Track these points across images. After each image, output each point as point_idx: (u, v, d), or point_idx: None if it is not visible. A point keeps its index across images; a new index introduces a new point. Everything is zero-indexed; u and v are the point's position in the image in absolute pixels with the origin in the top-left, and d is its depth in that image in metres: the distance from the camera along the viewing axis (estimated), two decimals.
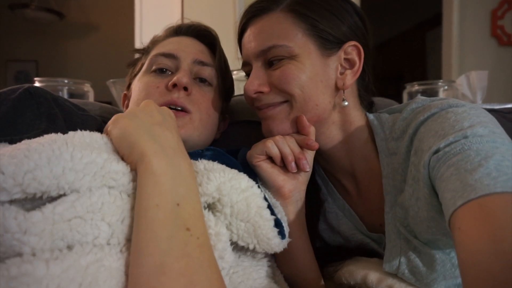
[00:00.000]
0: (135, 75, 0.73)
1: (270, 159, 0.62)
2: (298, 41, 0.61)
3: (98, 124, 0.67)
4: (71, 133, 0.47)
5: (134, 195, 0.44)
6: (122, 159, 0.46)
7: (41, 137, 0.44)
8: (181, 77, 0.64)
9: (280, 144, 0.61)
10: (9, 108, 0.54)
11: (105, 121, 0.80)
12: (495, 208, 0.40)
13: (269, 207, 0.57)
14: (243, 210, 0.51)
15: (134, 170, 0.45)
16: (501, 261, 0.35)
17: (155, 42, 0.75)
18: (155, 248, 0.39)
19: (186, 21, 0.78)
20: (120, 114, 0.50)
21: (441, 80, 1.43)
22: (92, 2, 4.19)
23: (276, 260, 0.62)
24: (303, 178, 0.64)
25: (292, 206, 0.62)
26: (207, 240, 0.44)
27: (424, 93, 1.44)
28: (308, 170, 0.62)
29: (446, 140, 0.49)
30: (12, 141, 0.48)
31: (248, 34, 0.65)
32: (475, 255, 0.38)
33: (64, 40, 4.27)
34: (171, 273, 0.38)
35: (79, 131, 0.48)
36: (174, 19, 2.57)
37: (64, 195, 0.40)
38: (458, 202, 0.42)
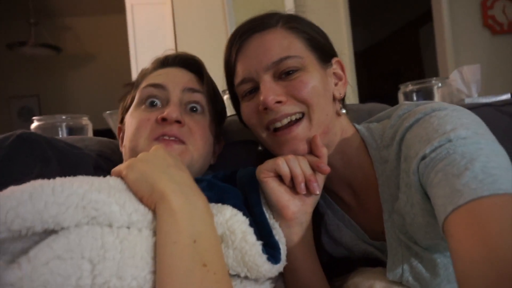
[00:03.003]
0: (127, 109, 0.74)
1: (279, 177, 0.61)
2: (304, 53, 0.63)
3: (93, 161, 0.68)
4: (93, 178, 0.48)
5: (114, 226, 0.44)
6: (141, 201, 0.48)
7: (28, 182, 0.45)
8: (171, 111, 0.64)
9: (292, 163, 0.60)
10: (2, 157, 0.55)
11: (104, 155, 0.81)
12: (484, 213, 0.40)
13: (264, 230, 0.57)
14: (228, 235, 0.52)
15: (152, 210, 0.47)
16: (496, 270, 0.36)
17: (143, 75, 0.76)
18: (173, 283, 0.41)
19: (170, 52, 0.78)
20: (134, 159, 0.53)
21: (435, 78, 1.43)
22: (87, 32, 4.28)
23: (284, 280, 0.61)
24: (311, 201, 0.62)
25: (296, 228, 0.61)
26: (225, 275, 0.47)
27: (419, 92, 1.44)
28: (318, 193, 0.61)
29: (431, 145, 0.50)
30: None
31: (252, 48, 0.64)
32: (470, 264, 0.38)
33: (63, 73, 4.36)
34: None
35: (102, 177, 0.50)
36: (168, 45, 2.62)
37: (52, 230, 0.41)
38: (448, 209, 0.43)
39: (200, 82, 0.74)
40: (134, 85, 0.76)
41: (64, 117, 1.24)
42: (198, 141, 0.67)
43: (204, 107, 0.72)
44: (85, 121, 1.30)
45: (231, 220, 0.53)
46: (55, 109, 4.22)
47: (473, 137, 0.49)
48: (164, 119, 0.64)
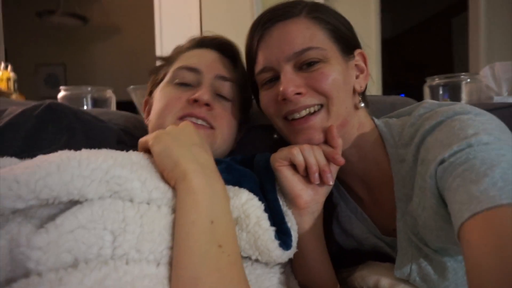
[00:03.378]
0: (158, 83, 0.75)
1: (293, 166, 0.61)
2: (326, 45, 0.63)
3: (116, 135, 0.70)
4: (117, 153, 0.50)
5: (136, 203, 0.46)
6: (162, 174, 0.49)
7: (56, 153, 0.47)
8: (203, 94, 0.65)
9: (306, 153, 0.60)
10: (33, 124, 0.58)
11: (127, 130, 0.83)
12: (502, 221, 0.39)
13: (277, 216, 0.58)
14: (242, 219, 0.54)
15: (172, 187, 0.48)
16: (510, 281, 0.35)
17: (178, 52, 0.76)
18: (190, 262, 0.43)
19: (208, 34, 0.78)
20: (161, 131, 0.54)
21: (463, 73, 1.38)
22: (114, 5, 4.30)
23: (292, 266, 0.63)
24: (323, 191, 0.63)
25: (307, 217, 0.62)
26: (238, 258, 0.48)
27: (446, 86, 1.40)
28: (331, 184, 0.61)
29: (451, 149, 0.49)
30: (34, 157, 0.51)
31: (274, 38, 0.63)
32: (484, 272, 0.38)
33: (89, 44, 4.42)
34: (204, 286, 0.42)
35: (125, 151, 0.52)
36: (193, 21, 2.60)
37: (77, 201, 0.43)
38: (465, 215, 0.42)
39: (233, 68, 0.74)
40: (168, 61, 0.76)
41: (89, 88, 1.27)
42: (224, 127, 0.69)
43: (234, 95, 0.73)
44: (109, 93, 1.33)
45: (247, 204, 0.55)
46: (80, 78, 4.31)
47: (495, 143, 0.47)
48: (195, 100, 0.65)
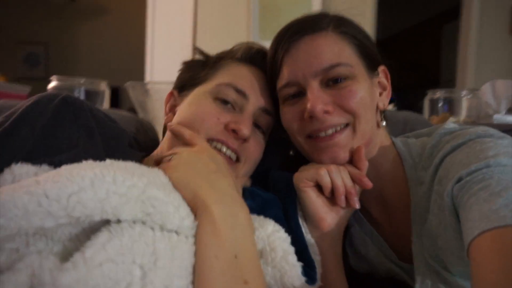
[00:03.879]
0: (194, 84, 0.68)
1: (318, 187, 0.59)
2: (353, 61, 0.61)
3: (127, 137, 0.64)
4: (143, 169, 0.47)
5: (167, 232, 0.43)
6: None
7: (83, 163, 0.44)
8: (245, 128, 0.61)
9: (334, 174, 0.58)
10: (48, 120, 0.51)
11: (130, 134, 0.78)
12: (509, 241, 0.39)
13: (299, 245, 0.56)
14: (268, 252, 0.51)
15: (194, 215, 0.46)
16: None
17: (227, 58, 0.70)
18: None
19: (259, 47, 0.72)
20: (178, 160, 0.51)
21: (465, 89, 1.39)
22: None
23: None
24: (347, 214, 0.62)
25: (328, 241, 0.60)
26: None
27: (446, 100, 1.41)
28: (357, 207, 0.59)
29: (469, 168, 0.49)
30: (52, 163, 0.47)
31: (301, 51, 0.61)
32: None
33: (75, 23, 4.23)
34: None
35: (150, 169, 0.49)
36: (187, 4, 2.51)
37: (107, 221, 0.40)
38: (474, 232, 0.43)
39: (274, 99, 0.69)
40: (210, 62, 0.70)
41: (82, 80, 1.20)
42: (251, 161, 0.65)
43: (267, 131, 0.69)
44: (103, 86, 1.26)
45: (273, 236, 0.52)
46: (63, 60, 4.12)
47: None
48: (234, 130, 0.61)
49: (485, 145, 0.52)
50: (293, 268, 0.51)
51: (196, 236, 0.44)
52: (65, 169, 0.41)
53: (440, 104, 1.43)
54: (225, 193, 0.48)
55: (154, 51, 2.55)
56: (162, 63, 2.48)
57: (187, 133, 0.59)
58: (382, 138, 0.66)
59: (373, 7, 2.83)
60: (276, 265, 0.51)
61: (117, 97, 3.52)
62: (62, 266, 0.36)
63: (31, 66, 4.19)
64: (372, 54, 0.65)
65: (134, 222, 0.41)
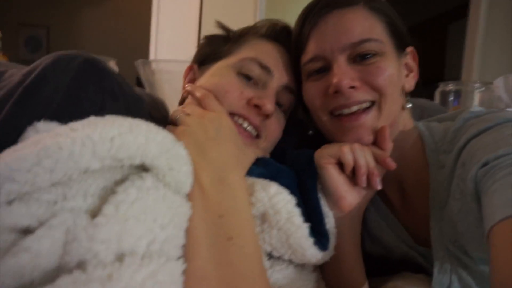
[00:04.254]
0: (216, 58, 0.66)
1: (340, 165, 0.58)
2: (384, 38, 0.59)
3: (147, 107, 0.62)
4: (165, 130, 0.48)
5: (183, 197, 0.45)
6: None
7: (104, 117, 0.43)
8: (269, 104, 0.59)
9: (357, 153, 0.56)
10: (71, 80, 0.49)
11: (150, 114, 0.75)
12: None
13: (316, 216, 0.54)
14: (272, 215, 0.51)
15: None
16: None
17: (251, 35, 0.68)
18: (197, 255, 0.42)
19: (286, 25, 0.70)
20: (182, 128, 0.53)
21: (478, 81, 1.37)
22: None
23: (322, 272, 0.60)
24: (368, 195, 0.60)
25: (348, 221, 0.59)
26: (256, 250, 0.46)
27: (457, 92, 1.40)
28: (379, 188, 0.57)
29: (496, 153, 0.48)
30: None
31: (330, 25, 0.59)
32: (509, 277, 0.37)
33: (77, 7, 4.17)
34: (211, 280, 0.41)
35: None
36: None
37: (145, 167, 0.41)
38: (497, 217, 0.42)
39: (298, 78, 0.67)
40: (236, 39, 0.68)
41: None
42: (271, 139, 0.64)
43: (288, 111, 0.68)
44: (112, 65, 1.23)
45: (275, 198, 0.51)
46: (64, 44, 4.07)
47: None
48: (257, 106, 0.59)
49: None
50: (299, 229, 0.50)
51: (188, 198, 0.46)
52: (96, 119, 0.41)
53: (451, 98, 1.42)
54: (215, 160, 0.49)
55: (159, 36, 2.52)
56: (168, 47, 2.45)
57: (199, 92, 0.59)
58: (405, 120, 0.65)
59: None
60: (282, 227, 0.50)
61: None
62: (95, 222, 0.36)
63: (33, 49, 4.14)
64: (402, 33, 0.63)
65: (157, 177, 0.42)
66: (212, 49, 0.68)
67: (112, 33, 4.04)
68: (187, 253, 0.41)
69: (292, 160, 0.62)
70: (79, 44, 4.12)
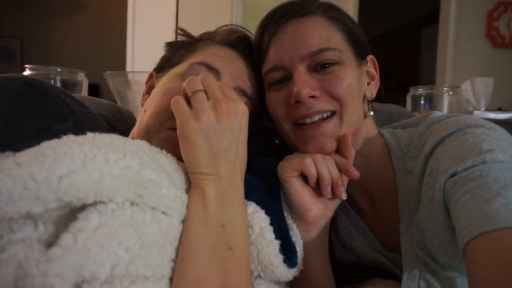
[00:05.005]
0: (170, 65, 0.65)
1: (303, 176, 0.57)
2: (342, 47, 0.59)
3: (102, 125, 0.60)
4: (136, 144, 0.45)
5: (157, 214, 0.43)
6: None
7: (64, 138, 0.39)
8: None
9: (319, 164, 0.56)
10: (12, 105, 0.46)
11: (107, 122, 0.73)
12: None
13: (281, 230, 0.55)
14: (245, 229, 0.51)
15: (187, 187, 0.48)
16: None
17: (206, 40, 0.66)
18: (196, 261, 0.42)
19: (241, 30, 0.69)
20: (194, 123, 0.47)
21: (446, 85, 1.41)
22: None
23: (292, 284, 0.59)
24: (333, 205, 0.59)
25: (314, 232, 0.58)
26: (249, 263, 0.47)
27: (427, 97, 1.43)
28: (344, 198, 0.57)
29: (464, 164, 0.48)
30: (17, 150, 0.41)
31: (288, 35, 0.59)
32: None
33: (51, 18, 4.10)
34: (210, 286, 0.41)
35: (141, 142, 0.47)
36: (169, 2, 2.45)
37: (100, 202, 0.38)
38: (473, 232, 0.42)
39: (256, 83, 0.66)
40: (189, 45, 0.66)
41: (59, 69, 1.15)
42: None
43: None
44: (81, 77, 1.21)
45: (251, 215, 0.52)
46: (39, 55, 3.98)
47: (509, 162, 0.47)
48: None
49: (477, 137, 0.51)
50: (270, 244, 0.50)
51: (187, 206, 0.45)
52: (47, 147, 0.37)
53: (422, 102, 1.45)
54: (223, 172, 0.48)
55: (135, 46, 2.49)
56: (144, 59, 2.43)
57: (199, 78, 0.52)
58: (369, 128, 0.65)
59: (353, 12, 2.87)
60: (253, 241, 0.50)
61: (97, 95, 3.43)
62: (50, 253, 0.33)
63: (6, 60, 4.03)
64: (361, 42, 0.64)
65: (123, 203, 0.39)
66: (169, 56, 0.67)
67: (88, 43, 3.98)
68: (185, 260, 0.42)
69: (257, 170, 0.61)
70: (53, 55, 4.04)
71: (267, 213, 0.53)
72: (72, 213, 0.38)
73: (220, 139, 0.48)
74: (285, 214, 0.57)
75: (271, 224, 0.52)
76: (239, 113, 0.50)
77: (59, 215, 0.37)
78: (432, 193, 0.53)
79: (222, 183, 0.47)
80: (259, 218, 0.52)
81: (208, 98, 0.50)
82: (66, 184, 0.34)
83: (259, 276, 0.53)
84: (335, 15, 0.61)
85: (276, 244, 0.51)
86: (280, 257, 0.51)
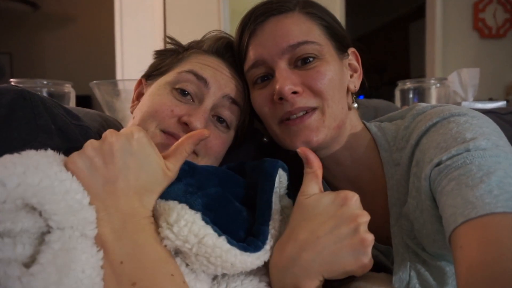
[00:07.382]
0: (159, 73, 0.66)
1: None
2: (322, 41, 0.60)
3: (94, 138, 0.60)
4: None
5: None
6: None
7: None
8: (197, 121, 0.57)
9: None
10: (2, 119, 0.46)
11: (100, 134, 0.73)
12: (497, 230, 0.40)
13: (260, 217, 0.53)
14: (182, 246, 0.47)
15: None
16: (503, 287, 0.35)
17: (194, 48, 0.67)
18: None
19: (228, 38, 0.69)
20: (83, 151, 0.47)
21: (433, 78, 1.42)
22: None
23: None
24: None
25: None
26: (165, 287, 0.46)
27: (416, 90, 1.44)
28: None
29: (448, 153, 0.49)
30: None
31: (267, 32, 0.60)
32: (478, 278, 0.38)
33: (39, 33, 4.10)
34: None
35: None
36: (156, 9, 2.47)
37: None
38: (458, 220, 0.42)
39: (243, 90, 0.66)
40: (179, 51, 0.68)
41: (45, 82, 1.15)
42: (211, 156, 0.62)
43: (233, 123, 0.65)
44: (68, 88, 1.21)
45: (177, 225, 0.47)
46: (28, 70, 3.97)
47: (492, 149, 0.47)
48: (186, 124, 0.57)
49: (461, 126, 0.51)
50: (215, 248, 0.46)
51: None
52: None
53: (410, 95, 1.46)
54: (113, 206, 0.46)
55: (125, 56, 2.49)
56: (133, 68, 2.43)
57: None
58: (353, 121, 0.66)
59: (340, 10, 2.89)
60: (197, 252, 0.46)
61: (89, 106, 3.42)
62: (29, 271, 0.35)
63: None
64: (341, 35, 0.64)
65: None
66: (157, 64, 0.68)
67: (77, 56, 3.97)
68: None
69: (253, 168, 0.61)
70: (42, 69, 4.03)
71: (195, 210, 0.49)
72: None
73: (105, 167, 0.46)
74: (276, 206, 0.56)
75: (207, 222, 0.48)
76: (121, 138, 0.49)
77: (35, 237, 0.39)
78: (419, 183, 0.53)
79: (113, 215, 0.46)
80: (188, 222, 0.47)
81: None
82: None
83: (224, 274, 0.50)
84: (313, 11, 0.62)
85: (221, 242, 0.47)
86: (233, 250, 0.47)
